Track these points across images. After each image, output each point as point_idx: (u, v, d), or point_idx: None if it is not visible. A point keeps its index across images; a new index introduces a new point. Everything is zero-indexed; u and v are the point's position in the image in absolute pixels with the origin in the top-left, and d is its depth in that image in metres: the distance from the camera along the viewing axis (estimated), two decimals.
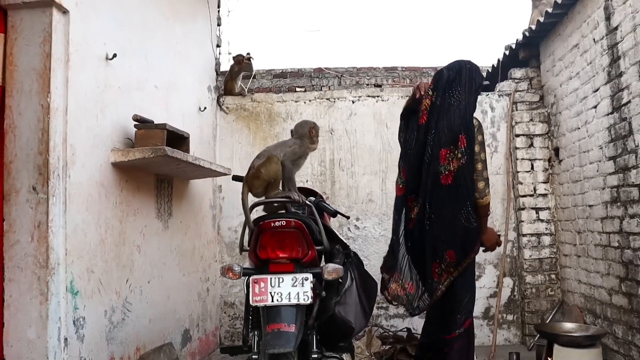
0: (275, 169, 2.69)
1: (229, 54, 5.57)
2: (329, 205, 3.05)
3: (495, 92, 4.95)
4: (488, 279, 4.78)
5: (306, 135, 2.91)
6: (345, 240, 2.98)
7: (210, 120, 4.93)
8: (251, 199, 2.90)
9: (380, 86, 6.21)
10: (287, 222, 2.56)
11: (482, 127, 2.65)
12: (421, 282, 2.73)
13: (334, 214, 2.97)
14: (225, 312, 4.83)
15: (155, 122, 3.35)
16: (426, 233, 2.71)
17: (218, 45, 5.08)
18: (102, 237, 3.03)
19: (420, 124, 2.76)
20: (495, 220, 4.79)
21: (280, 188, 2.78)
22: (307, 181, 4.99)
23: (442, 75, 2.72)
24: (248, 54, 4.98)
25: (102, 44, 3.06)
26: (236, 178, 3.21)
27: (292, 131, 3.03)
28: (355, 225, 4.97)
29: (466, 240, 2.61)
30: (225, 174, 4.21)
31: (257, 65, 6.42)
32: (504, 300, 4.65)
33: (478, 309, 4.54)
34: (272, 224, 2.57)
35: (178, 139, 3.49)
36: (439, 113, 2.71)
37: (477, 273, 4.64)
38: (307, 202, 2.83)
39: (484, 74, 5.33)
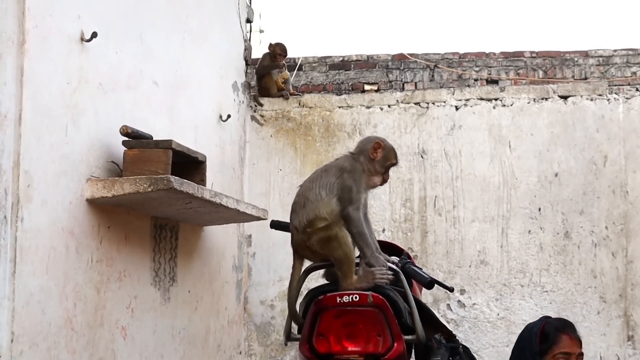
0: (340, 244, 2.78)
1: (261, 32, 5.88)
2: (420, 269, 3.14)
3: None
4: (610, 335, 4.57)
5: (366, 156, 2.97)
6: (446, 323, 3.19)
7: (237, 134, 5.08)
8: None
9: (496, 82, 6.40)
10: (362, 297, 2.67)
11: None
12: None
13: (430, 283, 3.04)
14: None
15: (154, 138, 3.45)
16: None
17: (248, 21, 5.27)
18: (69, 315, 3.02)
19: None
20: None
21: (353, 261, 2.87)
22: (383, 230, 5.11)
23: None
24: (280, 47, 5.25)
25: (75, 17, 3.08)
26: (277, 225, 3.43)
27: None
28: (459, 300, 5.09)
29: None
30: (258, 218, 4.31)
31: (302, 51, 6.69)
32: None
33: None
34: (338, 299, 2.69)
35: (189, 164, 3.62)
36: None
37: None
38: (392, 264, 2.91)
39: None
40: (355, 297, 2.71)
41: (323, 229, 2.84)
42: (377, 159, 2.99)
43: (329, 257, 2.87)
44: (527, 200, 5.09)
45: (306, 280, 3.11)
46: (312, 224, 2.89)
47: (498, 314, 5.05)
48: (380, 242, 3.36)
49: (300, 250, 2.98)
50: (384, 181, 3.07)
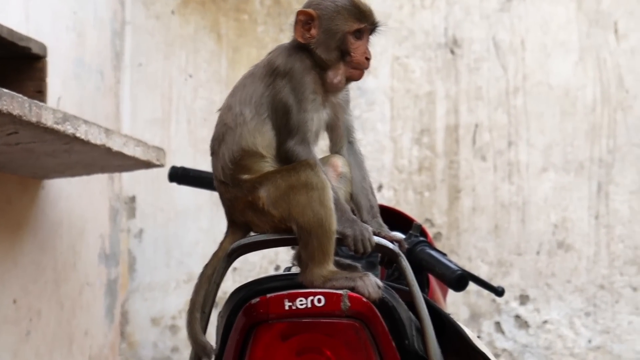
0: (311, 200, 2.55)
1: None
2: (443, 255, 3.00)
3: None
4: None
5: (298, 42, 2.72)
6: (491, 355, 2.80)
7: (108, 9, 4.84)
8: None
9: None
10: (331, 301, 2.46)
11: None
12: None
13: (459, 280, 2.92)
14: None
15: None
16: None
17: None
18: None
19: None
20: None
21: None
22: (380, 188, 4.80)
23: None
24: None
25: None
26: (182, 175, 3.46)
27: None
28: (518, 315, 4.72)
29: None
30: (148, 165, 4.17)
31: None
32: None
33: None
34: (287, 304, 2.46)
35: (14, 62, 3.73)
36: None
37: None
38: (389, 245, 2.59)
39: None
40: (319, 300, 2.42)
41: (280, 174, 2.57)
42: (315, 40, 2.57)
43: (289, 223, 2.54)
44: None
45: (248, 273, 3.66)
46: (242, 166, 2.58)
47: (590, 341, 4.60)
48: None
49: (237, 216, 2.64)
50: (356, 71, 2.60)
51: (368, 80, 4.67)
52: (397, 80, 4.78)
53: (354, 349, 2.43)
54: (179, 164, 3.59)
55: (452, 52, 4.79)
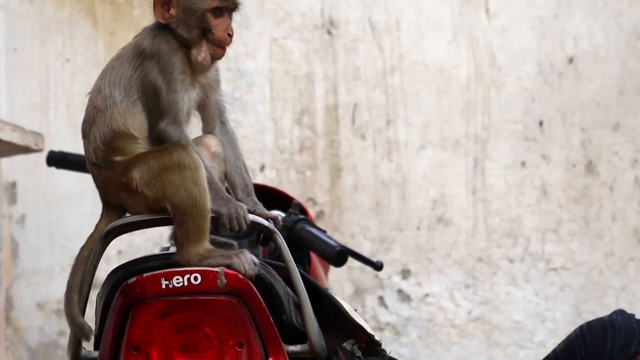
0: (185, 180, 2.61)
1: None
2: (322, 232, 3.20)
3: None
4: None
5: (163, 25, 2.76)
6: (371, 329, 2.89)
7: None
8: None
9: None
10: (207, 278, 2.51)
11: None
12: None
13: (338, 256, 3.10)
14: None
15: None
16: None
17: None
18: None
19: None
20: None
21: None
22: (262, 168, 4.92)
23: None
24: None
25: None
26: (60, 159, 3.47)
27: None
28: (400, 290, 4.83)
29: None
30: (27, 150, 4.24)
31: None
32: None
33: None
34: (164, 283, 2.50)
35: None
36: None
37: None
38: (264, 222, 2.65)
39: None
40: (196, 278, 2.47)
41: (153, 155, 2.60)
42: (175, 20, 2.64)
43: (164, 203, 2.58)
44: (518, 108, 4.78)
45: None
46: (114, 148, 2.60)
47: (470, 312, 4.74)
48: (255, 186, 3.07)
49: (112, 198, 2.65)
50: (219, 48, 2.66)
51: (247, 62, 4.73)
52: (276, 62, 4.86)
53: (232, 325, 2.49)
54: (59, 149, 3.61)
55: (329, 33, 4.85)
